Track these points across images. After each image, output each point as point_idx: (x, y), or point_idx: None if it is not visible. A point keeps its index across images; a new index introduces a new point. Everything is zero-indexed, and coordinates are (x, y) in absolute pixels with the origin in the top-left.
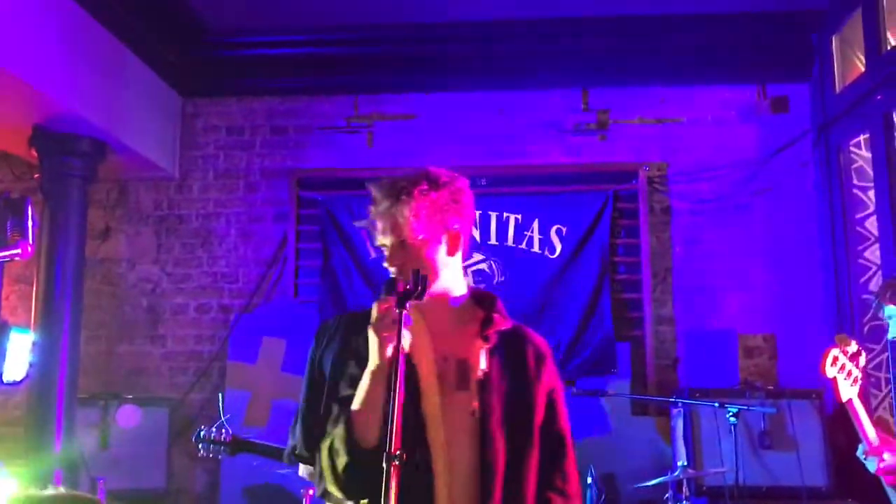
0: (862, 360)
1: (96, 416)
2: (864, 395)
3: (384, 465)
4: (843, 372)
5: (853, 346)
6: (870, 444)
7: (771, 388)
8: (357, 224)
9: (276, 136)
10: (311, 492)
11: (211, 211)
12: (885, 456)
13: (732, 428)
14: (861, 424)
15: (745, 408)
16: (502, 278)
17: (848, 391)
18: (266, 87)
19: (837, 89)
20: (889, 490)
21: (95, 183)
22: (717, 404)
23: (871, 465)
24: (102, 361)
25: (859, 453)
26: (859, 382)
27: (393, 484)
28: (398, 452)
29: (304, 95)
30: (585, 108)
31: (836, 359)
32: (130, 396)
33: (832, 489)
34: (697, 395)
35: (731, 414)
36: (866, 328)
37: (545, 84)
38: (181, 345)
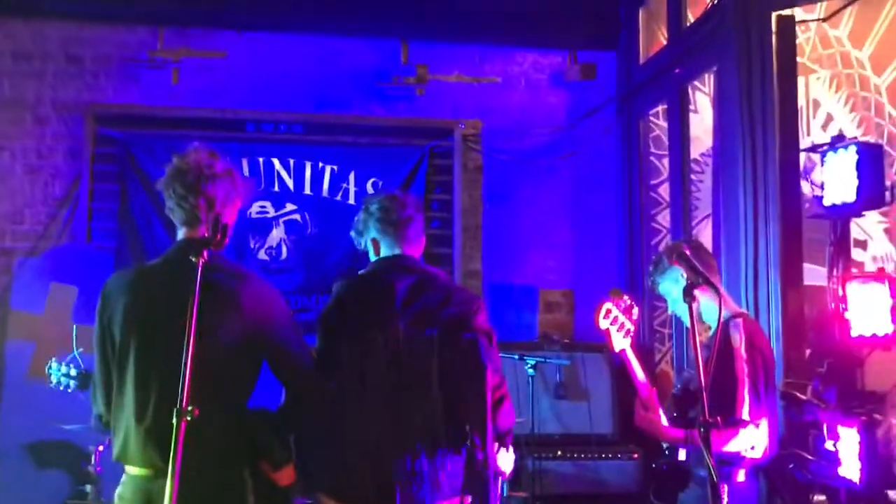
0: (635, 313)
1: None
2: (639, 348)
3: (175, 420)
4: (616, 324)
5: (626, 300)
6: (641, 388)
7: (567, 341)
8: None
9: (71, 65)
10: (101, 448)
11: None
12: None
13: (530, 379)
14: (633, 372)
15: (542, 360)
16: (315, 230)
17: (620, 342)
18: (59, 9)
19: (641, 60)
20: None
21: None
22: (516, 356)
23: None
24: None
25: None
26: (631, 334)
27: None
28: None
29: (103, 23)
30: (405, 62)
31: (608, 311)
32: None
33: (617, 436)
34: (499, 347)
35: (529, 366)
36: None
37: (365, 31)
38: None
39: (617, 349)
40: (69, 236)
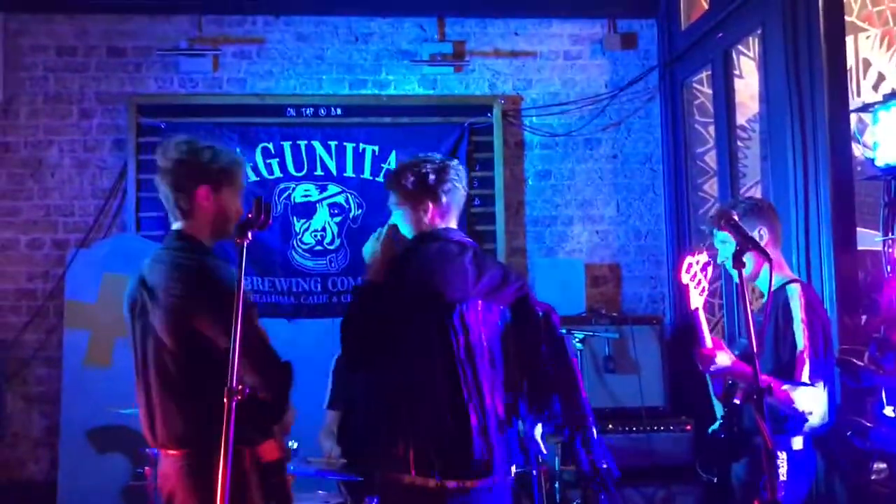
0: (710, 271)
1: None
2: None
3: (226, 399)
4: (695, 280)
5: (704, 257)
6: (704, 347)
7: (615, 314)
8: None
9: (113, 58)
10: None
11: (41, 138)
12: (718, 357)
13: (578, 353)
14: (702, 332)
15: (591, 334)
16: (359, 211)
17: (697, 300)
18: (100, 3)
19: (683, 26)
20: (716, 403)
21: None
22: (564, 330)
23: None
24: None
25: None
26: (706, 293)
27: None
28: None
29: (143, 14)
30: (441, 39)
31: (690, 266)
32: None
33: (669, 409)
34: None
35: (577, 340)
36: None
37: (401, 10)
38: (11, 283)
39: (692, 307)
40: (119, 226)
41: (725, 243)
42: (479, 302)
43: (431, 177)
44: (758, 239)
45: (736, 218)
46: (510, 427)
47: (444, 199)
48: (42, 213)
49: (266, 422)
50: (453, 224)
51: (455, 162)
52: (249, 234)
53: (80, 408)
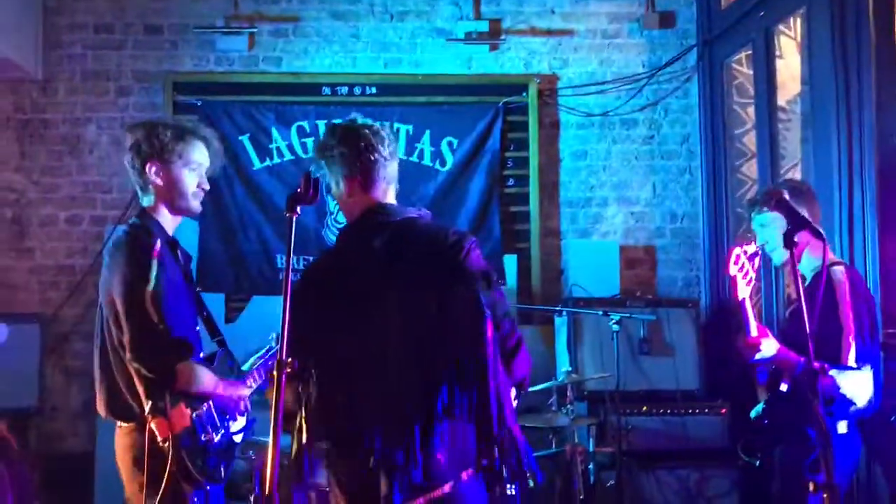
0: (757, 261)
1: None
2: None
3: (276, 373)
4: (742, 271)
5: (752, 247)
6: (750, 336)
7: (650, 297)
8: None
9: (150, 35)
10: None
11: (79, 115)
12: (764, 346)
13: (614, 335)
14: (748, 321)
15: (627, 315)
16: None
17: (744, 290)
18: None
19: (723, 5)
20: (760, 390)
21: None
22: (600, 312)
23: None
24: None
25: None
26: (753, 283)
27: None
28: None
29: None
30: (477, 17)
31: (738, 257)
32: None
33: (704, 392)
34: (581, 304)
35: (613, 321)
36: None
37: None
38: (51, 258)
39: (740, 297)
40: None
41: (765, 226)
42: (398, 294)
43: (335, 151)
44: (780, 225)
45: (787, 197)
46: (442, 434)
47: (357, 174)
48: (80, 189)
49: (148, 398)
50: (385, 196)
51: (369, 128)
52: (298, 209)
53: None
